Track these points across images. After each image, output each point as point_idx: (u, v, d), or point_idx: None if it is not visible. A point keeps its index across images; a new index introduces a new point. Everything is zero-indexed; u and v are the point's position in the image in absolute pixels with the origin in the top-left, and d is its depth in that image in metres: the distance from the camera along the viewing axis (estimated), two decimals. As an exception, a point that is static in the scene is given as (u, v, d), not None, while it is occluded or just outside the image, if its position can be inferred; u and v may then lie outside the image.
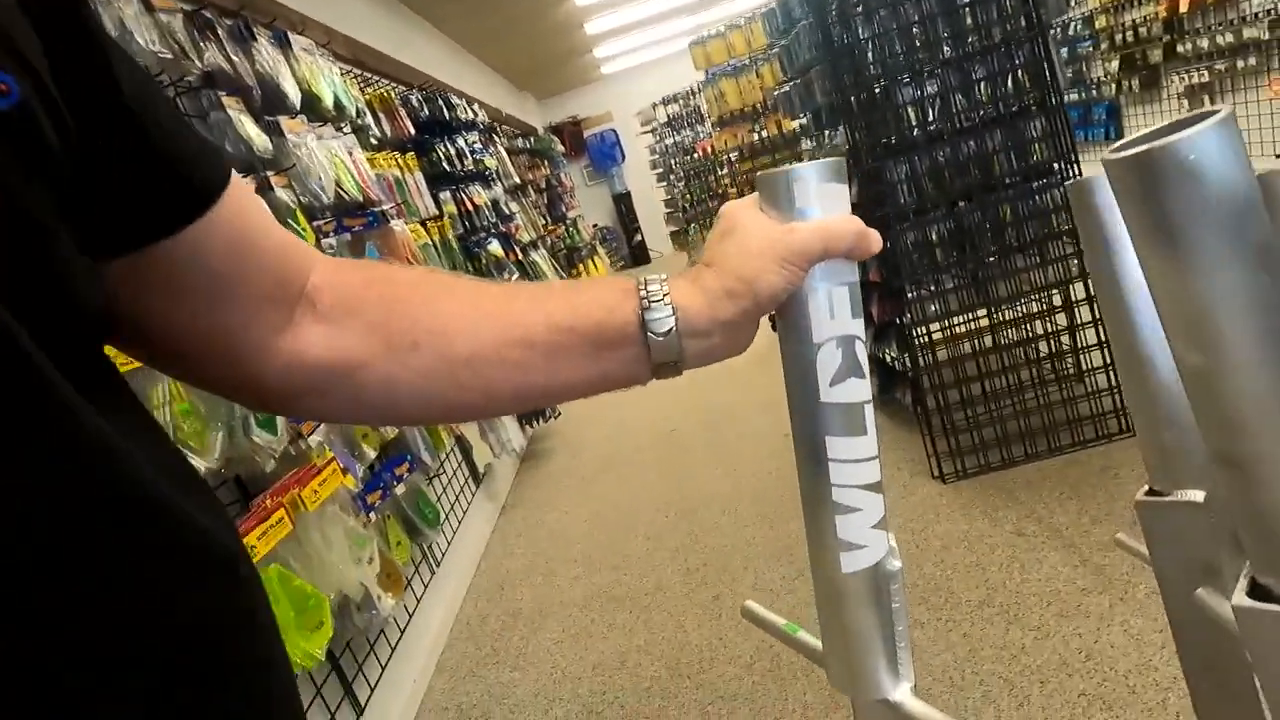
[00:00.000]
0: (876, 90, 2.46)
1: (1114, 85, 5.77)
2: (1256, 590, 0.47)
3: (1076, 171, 2.34)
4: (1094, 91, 6.12)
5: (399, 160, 3.12)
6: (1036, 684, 1.54)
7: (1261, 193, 0.36)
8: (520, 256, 4.29)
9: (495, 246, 3.67)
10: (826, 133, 3.20)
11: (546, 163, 7.88)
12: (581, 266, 8.10)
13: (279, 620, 1.17)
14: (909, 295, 2.45)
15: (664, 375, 0.46)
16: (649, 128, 8.28)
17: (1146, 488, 0.69)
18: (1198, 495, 0.64)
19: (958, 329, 2.53)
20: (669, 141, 7.91)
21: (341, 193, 2.22)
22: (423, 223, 3.14)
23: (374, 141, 3.04)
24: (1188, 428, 0.64)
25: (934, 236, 2.49)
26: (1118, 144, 0.36)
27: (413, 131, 3.43)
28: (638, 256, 10.70)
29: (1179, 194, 0.33)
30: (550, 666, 2.09)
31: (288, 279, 0.44)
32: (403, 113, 3.44)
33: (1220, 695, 0.66)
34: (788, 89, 3.55)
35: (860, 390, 0.45)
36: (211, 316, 0.41)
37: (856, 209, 0.47)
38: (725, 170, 6.30)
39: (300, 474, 1.52)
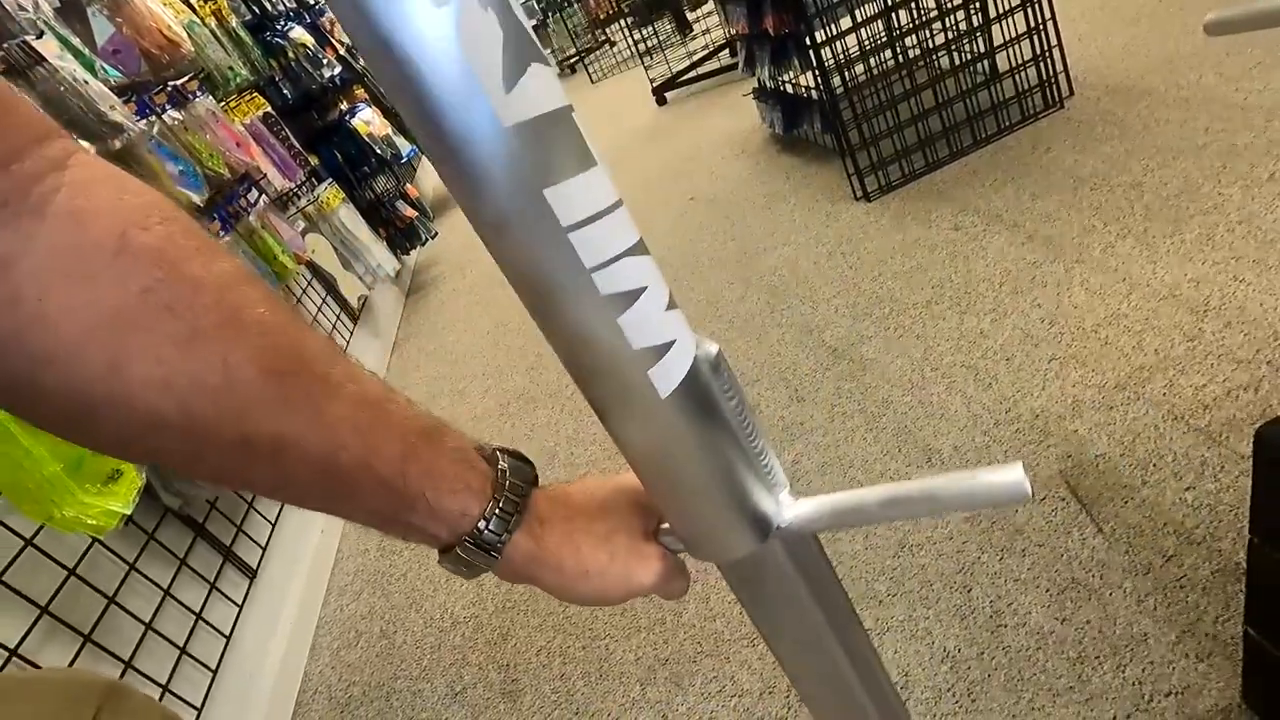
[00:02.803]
0: None
1: None
2: None
3: None
4: None
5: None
6: (1001, 362, 1.39)
7: None
8: (343, 53, 3.51)
9: (301, 33, 2.91)
10: None
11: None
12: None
13: (38, 476, 0.78)
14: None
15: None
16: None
17: None
18: None
19: (864, 15, 2.15)
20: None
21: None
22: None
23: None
24: None
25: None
26: None
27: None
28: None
29: None
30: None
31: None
32: None
33: None
34: None
35: (557, 93, 0.24)
36: None
37: None
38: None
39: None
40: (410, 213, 3.34)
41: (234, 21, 2.67)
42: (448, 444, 0.34)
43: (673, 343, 0.28)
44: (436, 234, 3.52)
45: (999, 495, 0.29)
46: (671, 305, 0.29)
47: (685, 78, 4.48)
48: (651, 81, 4.64)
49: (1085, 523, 1.04)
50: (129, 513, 1.00)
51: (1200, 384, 1.15)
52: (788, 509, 0.35)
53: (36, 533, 1.09)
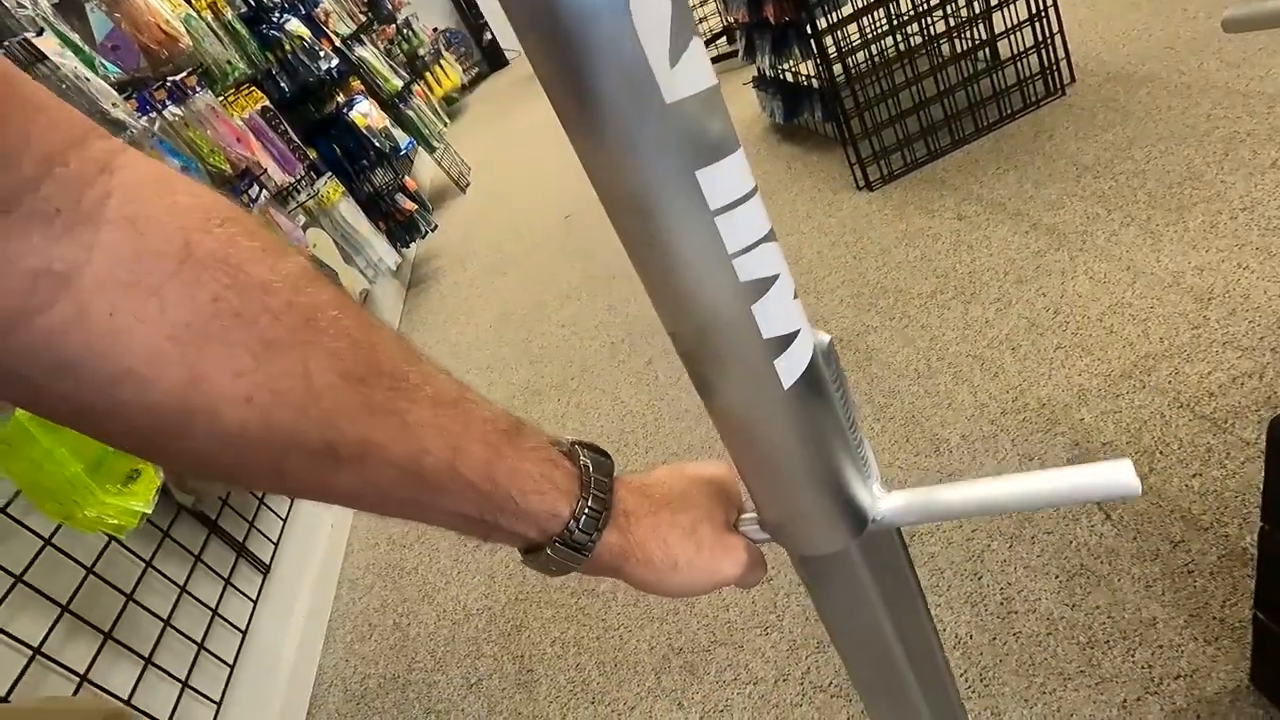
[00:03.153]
0: None
1: None
2: None
3: None
4: None
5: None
6: (1007, 351, 1.40)
7: None
8: (339, 45, 3.48)
9: (297, 25, 2.89)
10: None
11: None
12: (429, 75, 7.05)
13: (60, 477, 0.76)
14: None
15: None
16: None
17: None
18: None
19: (865, 2, 2.14)
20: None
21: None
22: (181, -6, 2.36)
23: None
24: None
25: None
26: None
27: None
28: (493, 60, 9.45)
29: None
30: (481, 473, 1.85)
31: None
32: None
33: None
34: None
35: (709, 70, 0.23)
36: None
37: None
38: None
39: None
40: (410, 206, 3.32)
41: (230, 14, 2.65)
42: (529, 442, 0.34)
43: (797, 333, 0.28)
44: (436, 227, 3.51)
45: (1108, 491, 0.29)
46: (796, 295, 0.28)
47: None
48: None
49: (1093, 510, 1.06)
50: (149, 512, 1.01)
51: (1205, 371, 1.16)
52: (882, 502, 0.34)
53: (55, 532, 1.10)
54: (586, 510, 0.34)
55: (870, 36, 2.14)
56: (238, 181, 2.10)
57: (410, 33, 7.19)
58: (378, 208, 3.28)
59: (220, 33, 2.52)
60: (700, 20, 4.43)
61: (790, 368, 0.28)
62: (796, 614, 1.14)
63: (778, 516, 0.35)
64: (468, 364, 2.44)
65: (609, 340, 2.13)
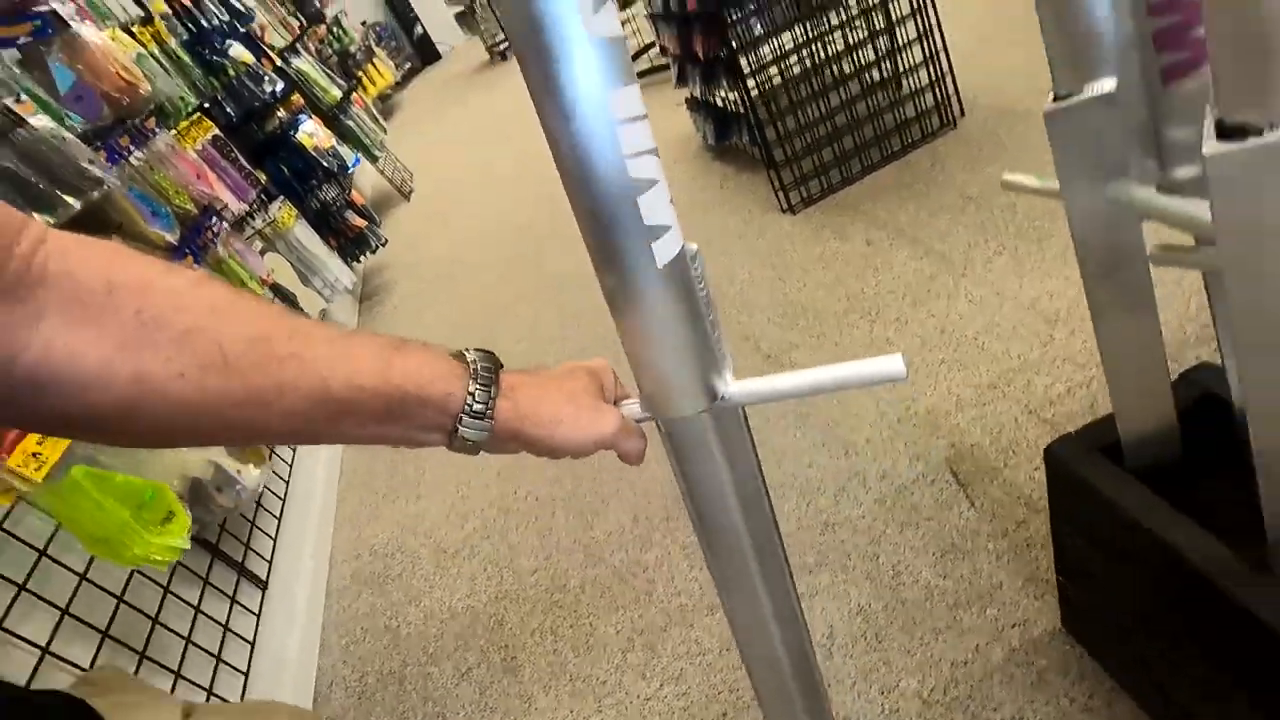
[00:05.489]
0: None
1: None
2: (1224, 132, 0.41)
3: None
4: None
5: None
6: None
7: None
8: (280, 64, 3.52)
9: (240, 50, 2.94)
10: None
11: (277, -55, 6.32)
12: (361, 74, 6.97)
13: (112, 524, 0.92)
14: (732, 19, 2.25)
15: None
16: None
17: (1052, 96, 0.63)
18: (1109, 84, 0.57)
19: (785, 47, 2.39)
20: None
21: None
22: (125, 29, 2.40)
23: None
24: (1098, 15, 0.56)
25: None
26: None
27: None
28: (425, 54, 9.35)
29: None
30: (454, 487, 2.04)
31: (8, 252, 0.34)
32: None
33: (1123, 295, 0.67)
34: None
35: (618, 26, 0.35)
36: None
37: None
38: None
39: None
40: (359, 222, 3.42)
41: (173, 43, 2.69)
42: (415, 349, 0.42)
43: (669, 227, 0.38)
44: (386, 241, 3.61)
45: (884, 376, 0.40)
46: (671, 202, 0.38)
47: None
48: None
49: (963, 499, 1.34)
50: (187, 547, 1.17)
51: (1048, 383, 1.46)
52: (731, 385, 0.44)
53: (88, 567, 1.24)
54: (477, 388, 0.42)
55: (788, 78, 2.39)
56: (201, 218, 2.19)
57: (340, 31, 7.07)
58: (327, 225, 3.36)
59: (166, 63, 2.57)
60: (634, 33, 4.60)
61: (663, 251, 0.38)
62: (784, 516, 1.39)
63: (650, 385, 0.44)
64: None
65: (565, 354, 2.33)
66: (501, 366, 0.45)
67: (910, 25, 2.33)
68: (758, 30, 2.31)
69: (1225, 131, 0.40)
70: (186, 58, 2.68)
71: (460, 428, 0.43)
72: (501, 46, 7.21)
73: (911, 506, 1.38)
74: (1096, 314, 0.70)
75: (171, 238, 1.95)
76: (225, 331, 0.37)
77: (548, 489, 1.86)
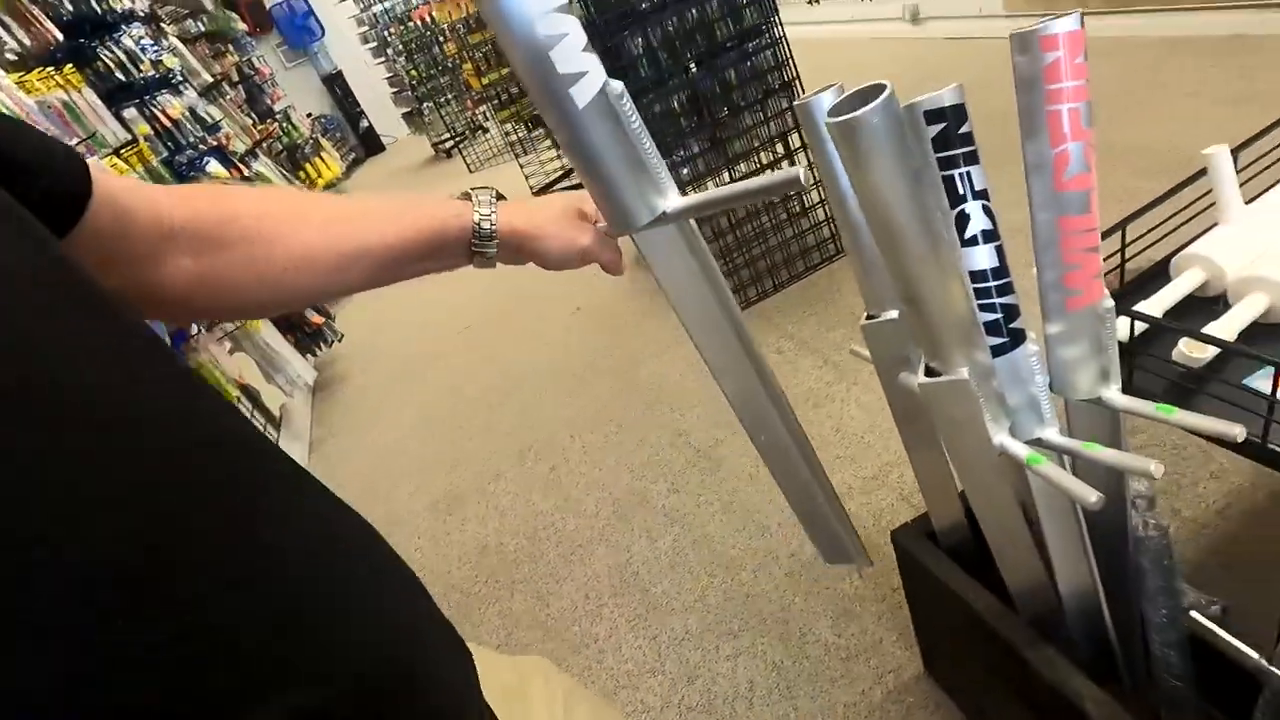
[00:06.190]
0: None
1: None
2: (929, 371, 0.78)
3: (780, 30, 2.67)
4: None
5: (57, 78, 2.53)
6: (808, 460, 2.04)
7: (910, 122, 0.58)
8: (245, 172, 3.78)
9: (216, 166, 3.20)
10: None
11: (231, 47, 6.66)
12: (309, 166, 7.25)
13: None
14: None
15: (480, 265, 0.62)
16: (348, -7, 7.24)
17: (866, 313, 1.00)
18: (894, 314, 0.95)
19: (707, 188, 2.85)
20: (376, 9, 7.04)
21: None
22: (116, 153, 2.65)
23: (12, 57, 2.42)
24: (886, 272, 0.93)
25: (675, 105, 2.72)
26: (834, 106, 0.53)
27: (60, 37, 2.75)
28: (370, 145, 9.74)
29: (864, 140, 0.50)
30: (417, 569, 2.22)
31: (159, 223, 0.49)
32: (36, 11, 2.72)
33: (918, 438, 1.03)
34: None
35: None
36: (120, 276, 0.47)
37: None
38: (451, 41, 5.86)
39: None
40: (318, 319, 3.63)
41: (155, 160, 2.94)
42: (425, 199, 0.59)
43: (585, 73, 0.44)
44: (342, 336, 3.82)
45: (787, 183, 0.48)
46: (588, 50, 0.44)
47: (561, 186, 5.10)
48: (529, 184, 5.22)
49: (853, 572, 1.68)
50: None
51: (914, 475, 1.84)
52: (673, 201, 0.53)
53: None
54: (480, 208, 0.57)
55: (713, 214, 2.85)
56: (185, 324, 2.39)
57: (290, 126, 7.36)
58: (286, 319, 3.56)
59: (149, 180, 2.81)
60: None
61: (582, 94, 0.45)
62: (713, 589, 1.66)
63: (603, 207, 0.54)
64: (391, 467, 2.79)
65: (517, 450, 2.60)
66: (503, 198, 0.60)
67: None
68: (684, 174, 2.77)
69: (928, 370, 0.76)
70: (168, 175, 2.92)
71: (475, 246, 0.58)
72: (446, 145, 7.62)
73: (814, 578, 1.70)
74: (909, 447, 1.06)
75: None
76: (319, 219, 0.54)
77: (510, 570, 2.09)
